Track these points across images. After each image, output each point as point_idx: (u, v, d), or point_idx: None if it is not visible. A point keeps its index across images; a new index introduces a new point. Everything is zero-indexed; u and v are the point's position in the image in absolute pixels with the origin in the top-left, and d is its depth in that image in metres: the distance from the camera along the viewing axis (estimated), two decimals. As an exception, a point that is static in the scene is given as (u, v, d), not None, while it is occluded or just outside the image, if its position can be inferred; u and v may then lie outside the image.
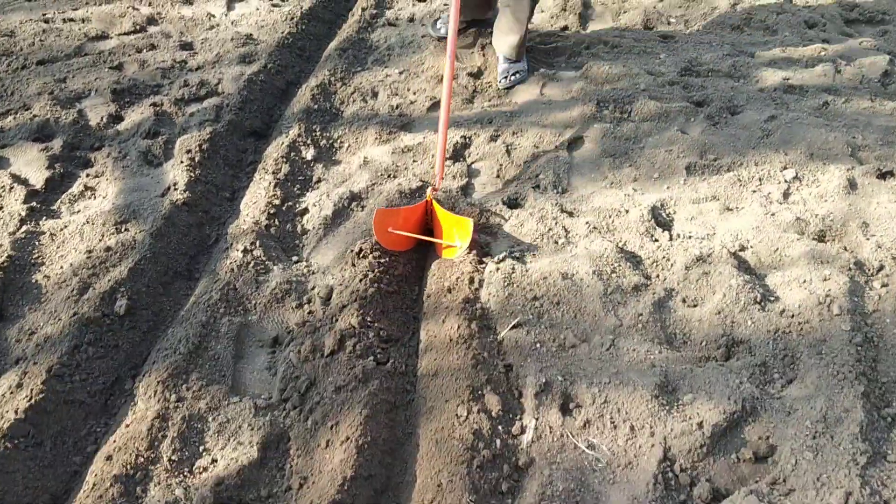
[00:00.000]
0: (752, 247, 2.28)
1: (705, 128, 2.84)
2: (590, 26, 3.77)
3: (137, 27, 3.72)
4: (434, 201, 2.37)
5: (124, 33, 3.69)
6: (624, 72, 3.21)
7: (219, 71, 3.31)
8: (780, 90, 3.09)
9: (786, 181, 2.59)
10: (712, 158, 2.68)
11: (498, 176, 2.72)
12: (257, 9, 3.96)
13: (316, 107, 3.07)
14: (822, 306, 1.99)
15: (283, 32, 3.64)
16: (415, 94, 3.18)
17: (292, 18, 3.77)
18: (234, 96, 3.09)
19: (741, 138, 2.77)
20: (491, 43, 3.35)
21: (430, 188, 2.40)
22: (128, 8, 3.86)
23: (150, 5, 3.97)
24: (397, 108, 3.08)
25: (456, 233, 2.29)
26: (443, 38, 3.50)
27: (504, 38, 3.20)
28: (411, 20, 3.83)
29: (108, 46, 3.55)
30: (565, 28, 3.70)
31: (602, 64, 3.26)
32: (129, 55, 3.47)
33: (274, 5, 4.00)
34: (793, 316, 1.98)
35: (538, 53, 3.44)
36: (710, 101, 3.01)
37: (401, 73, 3.33)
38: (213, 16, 3.91)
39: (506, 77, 3.23)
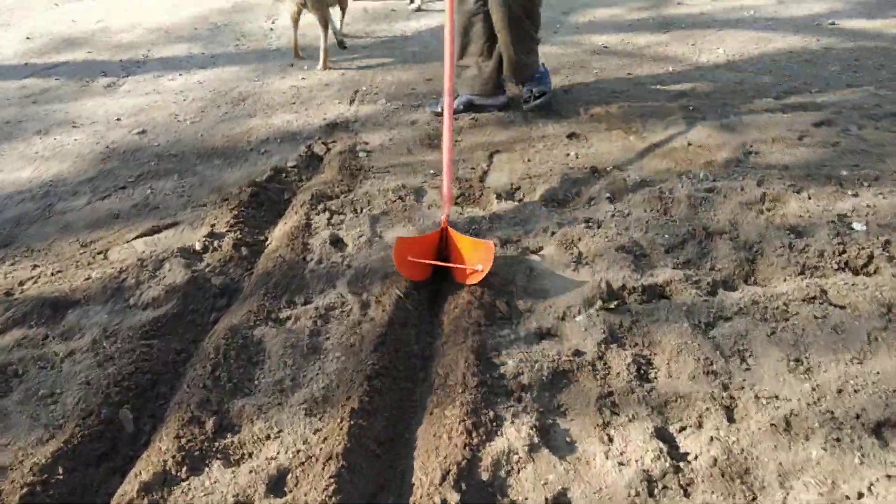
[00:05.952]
0: None
1: None
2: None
3: None
4: (449, 227, 2.31)
5: None
6: None
7: None
8: None
9: None
10: None
11: None
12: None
13: None
14: None
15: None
16: None
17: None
18: None
19: None
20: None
21: (442, 215, 2.34)
22: None
23: None
24: None
25: (476, 256, 2.21)
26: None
27: (505, 64, 3.39)
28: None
29: None
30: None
31: None
32: None
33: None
34: None
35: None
36: None
37: None
38: None
39: (527, 100, 3.36)
